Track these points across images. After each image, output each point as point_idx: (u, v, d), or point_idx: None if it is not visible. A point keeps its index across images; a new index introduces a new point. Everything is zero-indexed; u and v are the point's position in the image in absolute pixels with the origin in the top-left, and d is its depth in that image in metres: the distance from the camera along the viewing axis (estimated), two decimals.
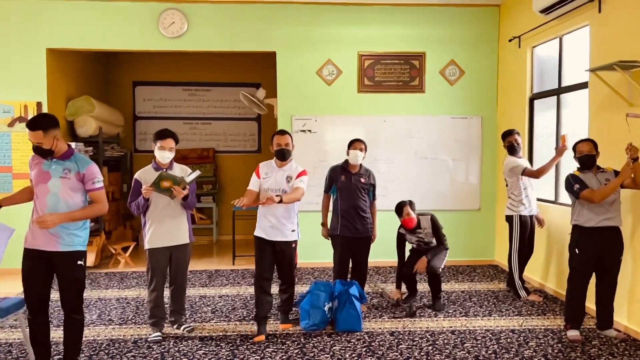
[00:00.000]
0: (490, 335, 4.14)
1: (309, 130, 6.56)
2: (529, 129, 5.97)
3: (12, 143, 6.20)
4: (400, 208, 4.71)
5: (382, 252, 6.25)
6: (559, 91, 5.39)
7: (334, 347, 3.91)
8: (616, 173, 3.92)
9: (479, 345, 3.94)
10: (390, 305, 4.91)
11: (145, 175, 4.00)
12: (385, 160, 6.59)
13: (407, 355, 3.76)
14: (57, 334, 3.97)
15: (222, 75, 8.57)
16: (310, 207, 6.20)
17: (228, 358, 3.71)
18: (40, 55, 6.21)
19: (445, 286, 5.44)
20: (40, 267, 3.23)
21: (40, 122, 3.15)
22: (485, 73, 6.67)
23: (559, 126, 5.41)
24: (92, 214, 3.35)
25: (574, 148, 4.09)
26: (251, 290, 5.37)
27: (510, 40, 6.21)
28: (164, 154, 3.98)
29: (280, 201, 3.85)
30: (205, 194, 8.28)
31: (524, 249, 5.05)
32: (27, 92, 6.18)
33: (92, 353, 3.80)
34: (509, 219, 5.07)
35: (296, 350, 3.85)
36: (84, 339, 3.95)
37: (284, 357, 3.72)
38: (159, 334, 4.08)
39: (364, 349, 3.87)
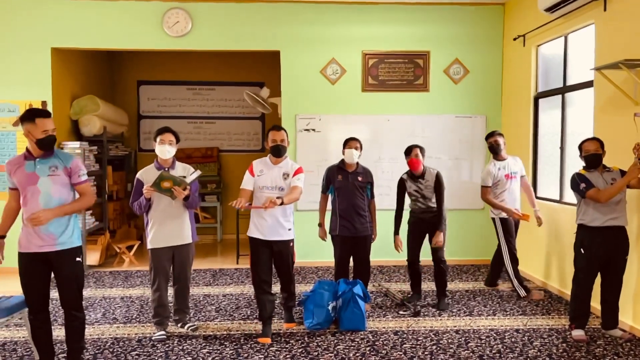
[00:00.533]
0: (494, 335, 4.13)
1: (313, 130, 6.56)
2: (534, 128, 5.94)
3: (17, 142, 6.22)
4: (410, 149, 4.78)
5: (386, 251, 6.23)
6: (564, 90, 5.37)
7: (338, 346, 3.90)
8: (622, 172, 3.89)
9: (483, 345, 3.93)
10: (394, 305, 4.91)
11: (147, 174, 3.99)
12: (389, 159, 6.57)
13: (411, 354, 3.75)
14: (61, 332, 3.98)
15: (226, 75, 8.57)
16: (313, 205, 6.16)
17: (232, 357, 3.71)
18: (45, 54, 6.23)
19: (449, 285, 5.43)
20: (38, 269, 3.22)
21: (45, 110, 3.18)
22: (490, 72, 6.65)
23: (564, 125, 5.39)
24: (82, 207, 3.41)
25: (580, 147, 4.07)
26: None
27: (515, 39, 6.19)
28: (164, 148, 3.97)
29: (282, 203, 3.81)
30: (209, 193, 8.30)
31: (513, 248, 5.14)
32: (32, 91, 6.20)
33: (96, 352, 3.81)
34: (493, 221, 5.24)
35: (300, 349, 3.84)
36: (88, 337, 3.98)
37: (287, 356, 3.72)
38: (163, 332, 4.09)
39: (368, 348, 3.86)
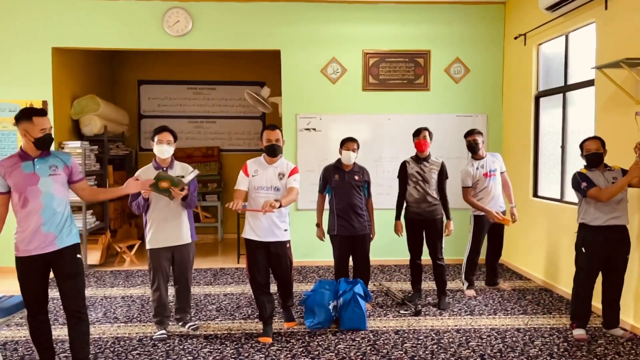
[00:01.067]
0: (495, 334, 4.12)
1: (314, 129, 6.55)
2: (535, 127, 5.93)
3: (17, 142, 6.22)
4: (419, 130, 4.79)
5: (387, 251, 6.25)
6: (565, 89, 5.36)
7: (339, 346, 3.90)
8: (624, 171, 3.88)
9: (484, 344, 3.92)
10: (395, 304, 4.90)
11: (145, 174, 3.96)
12: (390, 158, 6.56)
13: (412, 353, 3.75)
14: (62, 332, 3.98)
15: (226, 74, 8.57)
16: (314, 205, 6.14)
17: (233, 356, 3.71)
18: (46, 54, 6.23)
19: (450, 285, 5.43)
20: (37, 272, 3.20)
21: (41, 109, 3.18)
22: (491, 71, 6.64)
23: (564, 124, 5.38)
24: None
25: (581, 146, 4.06)
26: None
27: (515, 38, 6.18)
28: (162, 148, 3.96)
29: (280, 206, 3.79)
30: (210, 193, 8.30)
31: (478, 247, 5.21)
32: (33, 91, 6.20)
33: (97, 351, 3.81)
34: (470, 217, 5.30)
35: (301, 349, 3.84)
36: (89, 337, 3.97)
37: (288, 356, 3.72)
38: (163, 332, 4.09)
39: (369, 348, 3.86)
